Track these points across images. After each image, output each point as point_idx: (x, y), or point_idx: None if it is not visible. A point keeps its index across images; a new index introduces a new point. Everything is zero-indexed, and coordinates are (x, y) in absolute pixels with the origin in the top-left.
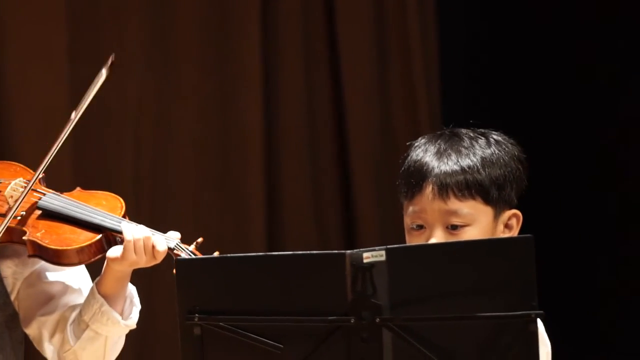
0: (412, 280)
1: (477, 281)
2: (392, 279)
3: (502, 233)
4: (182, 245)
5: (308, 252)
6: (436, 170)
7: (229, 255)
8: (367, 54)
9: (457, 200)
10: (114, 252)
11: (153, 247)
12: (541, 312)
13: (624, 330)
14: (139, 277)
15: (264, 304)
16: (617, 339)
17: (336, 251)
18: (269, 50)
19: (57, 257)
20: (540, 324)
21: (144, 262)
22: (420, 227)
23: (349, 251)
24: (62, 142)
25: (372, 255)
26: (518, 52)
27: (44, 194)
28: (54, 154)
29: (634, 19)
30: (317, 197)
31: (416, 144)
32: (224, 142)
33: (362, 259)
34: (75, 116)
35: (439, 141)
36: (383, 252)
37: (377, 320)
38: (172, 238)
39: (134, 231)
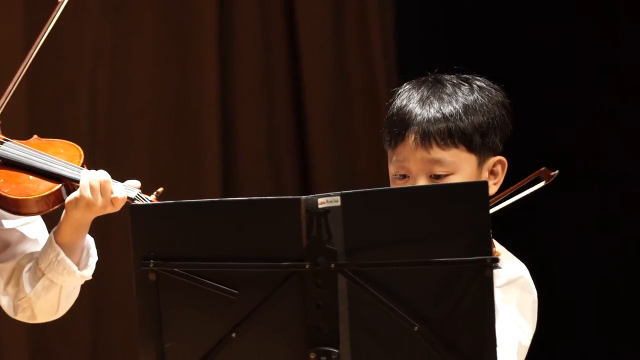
0: (368, 226)
1: (433, 226)
2: (347, 224)
3: (487, 180)
4: (143, 195)
5: (263, 197)
6: (418, 119)
7: (183, 201)
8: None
9: (440, 149)
10: (72, 195)
11: (111, 192)
12: (496, 257)
13: (613, 278)
14: (97, 228)
15: (219, 249)
16: (607, 284)
17: (291, 197)
18: None
19: (17, 207)
20: (527, 272)
21: (99, 204)
22: (404, 176)
23: (304, 197)
24: (18, 80)
25: (327, 201)
26: None
27: (2, 142)
28: (10, 94)
29: None
30: (272, 143)
31: (400, 91)
32: (179, 89)
33: (317, 204)
34: (32, 52)
35: (422, 88)
36: (338, 198)
37: (332, 265)
38: (133, 187)
39: (92, 172)
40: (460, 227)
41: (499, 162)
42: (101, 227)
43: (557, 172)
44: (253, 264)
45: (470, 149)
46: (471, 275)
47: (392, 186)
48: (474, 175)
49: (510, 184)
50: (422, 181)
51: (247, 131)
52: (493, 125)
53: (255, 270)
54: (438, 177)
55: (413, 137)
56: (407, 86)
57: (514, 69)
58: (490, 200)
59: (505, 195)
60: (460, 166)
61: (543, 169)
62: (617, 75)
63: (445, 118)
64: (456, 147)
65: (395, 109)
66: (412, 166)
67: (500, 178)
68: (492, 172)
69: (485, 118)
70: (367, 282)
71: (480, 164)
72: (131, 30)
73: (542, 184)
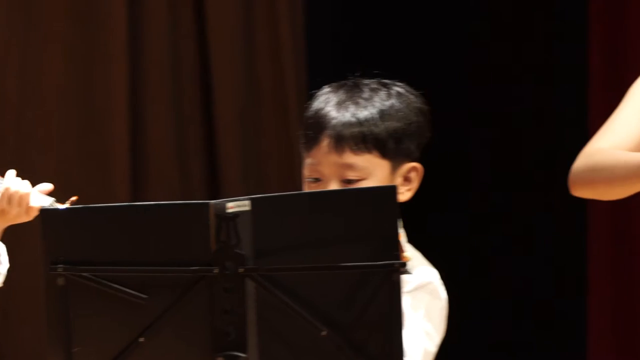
0: (277, 230)
1: (341, 231)
2: (256, 229)
3: (401, 186)
4: (57, 204)
5: (171, 202)
6: (333, 122)
7: (93, 205)
8: (232, 1)
9: (353, 153)
10: None
11: (27, 202)
12: (404, 262)
13: (523, 281)
14: (7, 231)
15: (129, 254)
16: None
17: (200, 201)
18: None
19: None
20: (437, 278)
21: (14, 213)
22: (317, 179)
23: (213, 201)
24: None
25: (237, 205)
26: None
27: None
28: None
29: None
30: (182, 145)
31: (318, 94)
32: (88, 89)
33: (226, 208)
34: None
35: (340, 92)
36: (248, 202)
37: (241, 270)
38: (47, 196)
39: (15, 181)
40: (368, 231)
41: (414, 168)
42: (11, 231)
43: None
44: (161, 269)
45: (384, 154)
46: (379, 279)
47: (305, 189)
48: (387, 181)
49: (426, 190)
50: (334, 185)
51: (156, 134)
52: (409, 132)
53: (164, 274)
54: (350, 181)
55: (327, 141)
56: (326, 89)
57: (424, 72)
58: None
59: None
60: (372, 171)
61: None
62: (545, 76)
63: (359, 123)
64: (369, 152)
65: (312, 112)
66: (325, 170)
67: (415, 185)
68: (406, 179)
69: (400, 124)
70: (275, 286)
71: (394, 170)
72: (39, 34)
73: None
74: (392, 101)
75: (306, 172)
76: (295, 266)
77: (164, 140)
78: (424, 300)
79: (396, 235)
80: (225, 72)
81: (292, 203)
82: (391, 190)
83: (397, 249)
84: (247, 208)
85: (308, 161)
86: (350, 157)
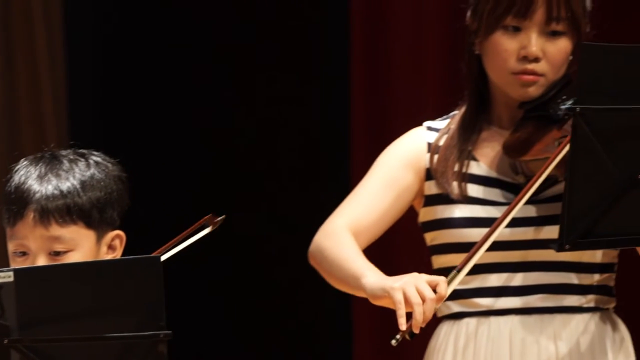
0: (41, 301)
1: (106, 301)
2: (20, 299)
3: (105, 255)
4: None
5: None
6: (37, 196)
7: None
8: None
9: (59, 226)
10: None
11: None
12: (169, 332)
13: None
14: None
15: None
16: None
17: None
18: None
19: None
20: None
21: None
22: (24, 253)
23: None
24: None
25: (1, 277)
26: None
27: None
28: None
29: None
30: None
31: (17, 167)
32: None
33: None
34: None
35: (39, 164)
36: (11, 273)
37: (5, 341)
38: None
39: None
40: (133, 301)
41: (117, 236)
42: None
43: (223, 217)
44: None
45: (89, 225)
46: (145, 350)
47: (12, 264)
48: (93, 251)
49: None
50: (42, 258)
51: None
52: (110, 200)
53: None
54: (58, 253)
55: (32, 215)
56: (24, 162)
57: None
58: (159, 250)
59: (174, 244)
60: (79, 242)
61: (209, 215)
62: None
63: (63, 195)
64: (75, 223)
65: (13, 187)
66: (31, 244)
67: (119, 252)
68: (111, 247)
69: (102, 193)
70: (41, 357)
71: (99, 239)
72: None
73: (208, 230)
74: (92, 171)
75: (12, 246)
76: (59, 337)
77: None
78: None
79: (162, 305)
80: None
81: (55, 274)
82: (156, 261)
83: (163, 319)
84: (11, 279)
85: (13, 236)
86: (57, 230)
